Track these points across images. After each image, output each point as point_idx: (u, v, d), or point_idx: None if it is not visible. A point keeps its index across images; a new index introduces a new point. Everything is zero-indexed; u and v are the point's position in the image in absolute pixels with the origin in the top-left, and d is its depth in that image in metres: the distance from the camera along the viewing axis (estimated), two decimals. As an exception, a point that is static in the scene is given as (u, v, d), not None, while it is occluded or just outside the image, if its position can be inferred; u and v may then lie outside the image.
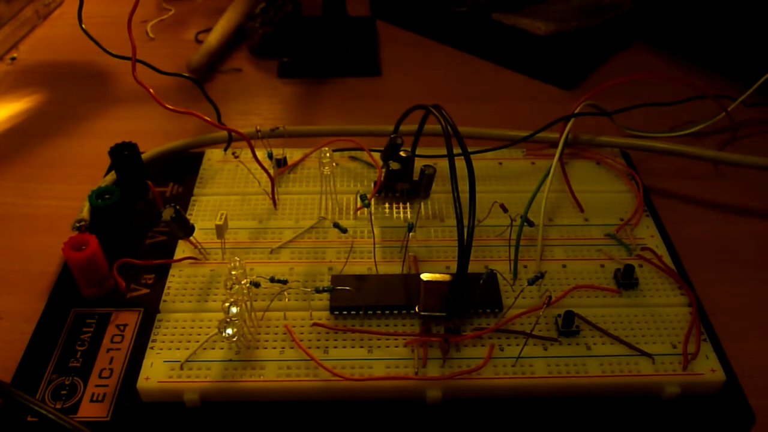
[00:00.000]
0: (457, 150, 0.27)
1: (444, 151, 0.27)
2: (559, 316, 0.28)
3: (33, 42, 0.51)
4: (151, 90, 0.30)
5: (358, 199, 0.32)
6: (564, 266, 0.30)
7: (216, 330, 0.26)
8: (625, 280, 0.29)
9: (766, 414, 0.26)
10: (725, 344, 0.28)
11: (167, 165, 0.37)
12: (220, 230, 0.29)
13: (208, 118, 0.31)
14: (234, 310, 0.25)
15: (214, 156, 0.36)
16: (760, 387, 0.27)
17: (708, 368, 0.26)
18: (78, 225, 0.31)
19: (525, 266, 0.30)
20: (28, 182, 0.38)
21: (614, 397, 0.26)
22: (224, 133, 0.37)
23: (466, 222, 0.26)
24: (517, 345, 0.27)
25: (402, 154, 0.32)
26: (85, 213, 0.32)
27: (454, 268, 0.27)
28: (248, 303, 0.26)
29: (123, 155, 0.33)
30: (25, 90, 0.45)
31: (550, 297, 0.27)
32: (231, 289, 0.26)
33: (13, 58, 0.48)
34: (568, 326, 0.27)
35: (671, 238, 0.33)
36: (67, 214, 0.34)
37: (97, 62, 0.48)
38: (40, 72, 0.48)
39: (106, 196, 0.32)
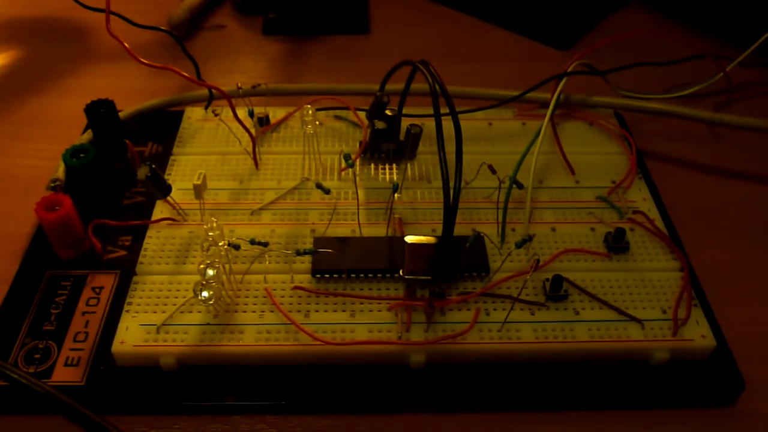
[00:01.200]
0: (444, 109, 0.26)
1: (430, 111, 0.26)
2: (547, 280, 0.27)
3: (9, -4, 0.49)
4: (126, 44, 0.29)
5: (342, 159, 0.31)
6: (553, 229, 0.30)
7: (193, 293, 0.26)
8: (616, 243, 0.29)
9: (756, 381, 0.26)
10: (716, 310, 0.28)
11: (146, 124, 0.36)
12: (198, 190, 0.28)
13: (186, 74, 0.30)
14: (210, 272, 0.24)
15: (194, 114, 0.35)
16: (751, 354, 0.27)
17: (698, 334, 0.26)
18: (53, 185, 0.30)
19: (513, 229, 0.30)
20: (2, 140, 0.37)
21: (602, 363, 0.26)
22: (205, 91, 0.35)
23: (452, 183, 0.25)
24: (504, 309, 0.26)
25: (388, 112, 0.31)
26: (60, 173, 0.31)
27: (440, 230, 0.26)
28: (226, 265, 0.25)
29: (99, 113, 0.32)
30: (0, 46, 0.44)
31: (538, 260, 0.27)
32: (208, 251, 0.25)
33: (-12, 13, 0.46)
34: (556, 291, 0.27)
35: (664, 202, 0.32)
36: (42, 174, 0.33)
37: (74, 18, 0.46)
38: (15, 28, 0.46)
39: (81, 155, 0.31)
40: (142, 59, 0.28)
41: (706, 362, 0.26)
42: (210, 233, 0.25)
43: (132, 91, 0.39)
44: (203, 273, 0.24)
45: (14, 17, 0.47)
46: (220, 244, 0.25)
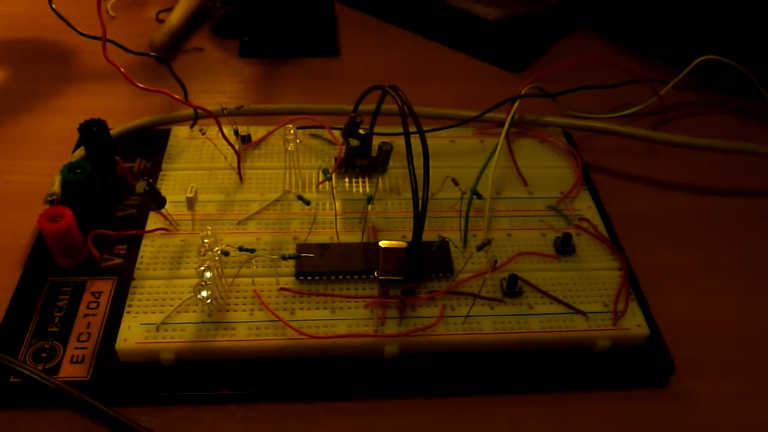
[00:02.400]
0: (412, 128, 0.29)
1: (400, 129, 0.29)
2: (504, 279, 0.30)
3: (-9, 19, 0.51)
4: (122, 69, 0.31)
5: (321, 173, 0.34)
6: (509, 235, 0.33)
7: (189, 294, 0.29)
8: (564, 247, 0.32)
9: (684, 364, 0.29)
10: (650, 304, 0.31)
11: (134, 142, 0.38)
12: (191, 202, 0.31)
13: (177, 96, 0.32)
14: (208, 274, 0.27)
15: (180, 133, 0.38)
16: (680, 340, 0.30)
17: (634, 324, 0.30)
18: (50, 199, 0.32)
19: (474, 235, 0.33)
20: (-5, 158, 0.39)
21: (552, 351, 0.29)
22: (189, 110, 0.38)
23: (420, 194, 0.28)
24: (467, 305, 0.29)
25: (361, 131, 0.34)
26: (56, 187, 0.33)
27: (410, 237, 0.29)
28: (219, 269, 0.28)
29: (92, 131, 0.35)
30: (-14, 67, 0.46)
31: (496, 261, 0.30)
32: (204, 255, 0.27)
33: (-28, 35, 0.48)
34: (512, 288, 0.30)
35: (607, 211, 0.36)
36: (35, 190, 0.35)
37: (58, 40, 0.48)
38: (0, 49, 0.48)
39: (78, 171, 0.33)
40: (138, 83, 0.31)
41: (642, 348, 0.29)
42: (206, 240, 0.28)
43: (117, 111, 0.40)
44: (201, 275, 0.27)
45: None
46: (215, 249, 0.28)
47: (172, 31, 0.47)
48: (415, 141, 0.29)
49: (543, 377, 0.29)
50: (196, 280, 0.27)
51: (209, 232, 0.28)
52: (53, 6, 0.32)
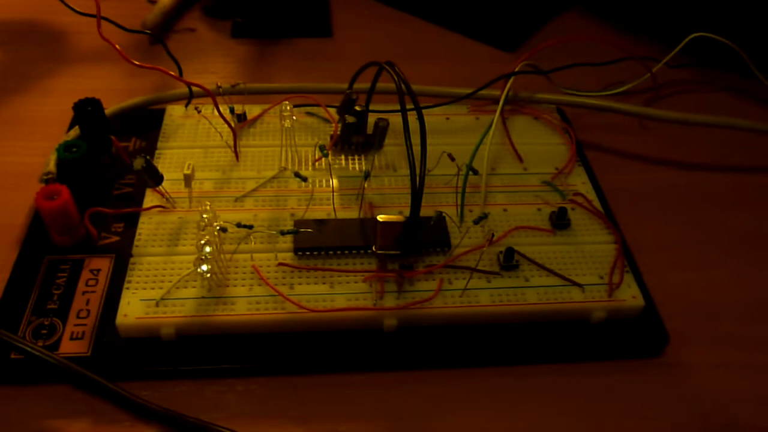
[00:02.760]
0: (409, 105, 0.29)
1: (395, 107, 0.29)
2: (501, 252, 0.30)
3: (-21, 0, 0.50)
4: (117, 46, 0.31)
5: (317, 150, 0.34)
6: (505, 210, 0.33)
7: (188, 270, 0.29)
8: (559, 221, 0.32)
9: (679, 334, 0.30)
10: (645, 277, 0.32)
11: (128, 121, 0.38)
12: (188, 179, 0.31)
13: (173, 73, 0.32)
14: (208, 248, 0.27)
15: (175, 112, 0.38)
16: (674, 312, 0.31)
17: (629, 295, 0.30)
18: (46, 177, 0.33)
19: (470, 210, 0.33)
20: (-12, 139, 0.38)
21: (549, 322, 0.30)
22: (184, 89, 0.38)
23: (418, 171, 0.28)
24: (464, 279, 0.30)
25: (357, 108, 0.34)
26: (52, 166, 0.33)
27: (406, 212, 0.29)
28: (218, 245, 0.28)
29: (87, 110, 0.34)
30: (-23, 48, 0.45)
31: (493, 235, 0.30)
32: (203, 230, 0.27)
33: (-38, 16, 0.48)
34: (509, 261, 0.30)
35: (601, 186, 0.36)
36: (29, 170, 0.35)
37: (48, 21, 0.48)
38: (-10, 30, 0.47)
39: (74, 149, 0.33)
40: (134, 61, 0.31)
41: (637, 320, 0.30)
42: (204, 215, 0.28)
43: (110, 91, 0.40)
44: (201, 249, 0.27)
45: (-12, 20, 0.48)
46: (214, 224, 0.28)
47: (164, 12, 0.47)
48: (412, 118, 0.29)
49: (540, 349, 0.29)
50: (194, 257, 0.27)
51: (208, 207, 0.28)
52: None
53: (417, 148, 0.29)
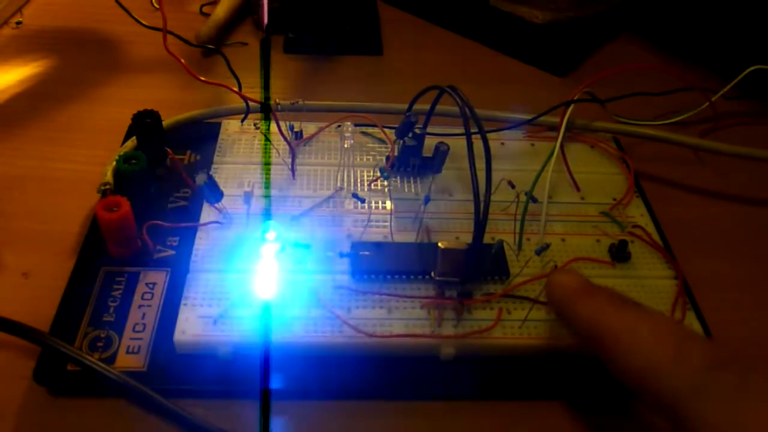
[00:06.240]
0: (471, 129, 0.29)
1: (451, 130, 0.29)
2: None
3: (36, 7, 0.51)
4: (183, 60, 0.31)
5: (377, 172, 0.34)
6: (563, 240, 0.33)
7: (246, 288, 0.28)
8: (620, 253, 0.32)
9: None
10: (705, 314, 0.31)
11: (182, 133, 0.38)
12: (248, 197, 0.31)
13: (234, 89, 0.32)
14: (271, 267, 0.26)
15: (230, 127, 0.38)
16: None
17: (692, 334, 0.29)
18: (103, 188, 0.33)
19: (528, 239, 0.33)
20: (45, 145, 0.39)
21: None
22: (239, 103, 0.38)
23: (482, 197, 0.28)
24: (522, 309, 0.29)
25: (416, 130, 0.34)
26: (109, 176, 0.33)
27: (463, 238, 0.29)
28: (277, 265, 0.28)
29: (145, 122, 0.35)
30: (33, 55, 0.46)
31: (556, 266, 0.30)
32: (265, 249, 0.27)
33: (19, 23, 0.48)
34: (570, 293, 0.30)
35: (658, 218, 0.35)
36: (83, 178, 0.35)
37: (100, 29, 0.49)
38: (45, 37, 0.48)
39: (133, 161, 0.33)
40: (200, 77, 0.31)
41: (699, 359, 0.30)
42: (267, 235, 0.28)
43: (164, 101, 0.40)
44: (263, 268, 0.26)
45: (43, 27, 0.49)
46: (275, 244, 0.28)
47: (218, 25, 0.47)
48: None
49: (598, 382, 0.28)
50: (252, 275, 0.27)
51: (271, 225, 0.28)
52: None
53: (479, 174, 0.28)
